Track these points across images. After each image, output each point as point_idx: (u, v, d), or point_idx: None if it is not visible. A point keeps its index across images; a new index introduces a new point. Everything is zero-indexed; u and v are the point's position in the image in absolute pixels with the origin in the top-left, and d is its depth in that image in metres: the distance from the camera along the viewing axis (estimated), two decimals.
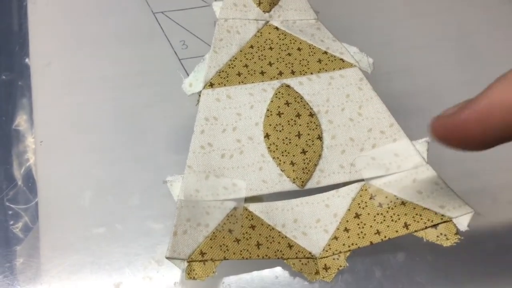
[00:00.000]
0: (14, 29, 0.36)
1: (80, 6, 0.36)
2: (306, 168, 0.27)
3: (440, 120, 0.20)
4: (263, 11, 0.31)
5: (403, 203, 0.26)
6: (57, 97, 0.33)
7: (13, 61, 0.35)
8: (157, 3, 0.37)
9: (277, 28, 0.30)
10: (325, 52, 0.30)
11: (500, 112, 0.18)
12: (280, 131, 0.27)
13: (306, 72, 0.29)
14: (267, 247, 0.25)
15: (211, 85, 0.28)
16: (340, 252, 0.26)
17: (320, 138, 0.27)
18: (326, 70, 0.29)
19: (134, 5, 0.37)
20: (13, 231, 0.30)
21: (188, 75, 0.29)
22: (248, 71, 0.29)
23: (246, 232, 0.26)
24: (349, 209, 0.26)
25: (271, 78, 0.29)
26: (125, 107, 0.33)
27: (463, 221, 0.25)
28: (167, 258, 0.24)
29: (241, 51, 0.30)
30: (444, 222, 0.25)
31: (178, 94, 0.29)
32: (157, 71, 0.34)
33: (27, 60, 0.35)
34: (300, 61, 0.29)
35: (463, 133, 0.19)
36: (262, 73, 0.29)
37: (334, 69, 0.29)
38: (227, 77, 0.29)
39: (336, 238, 0.26)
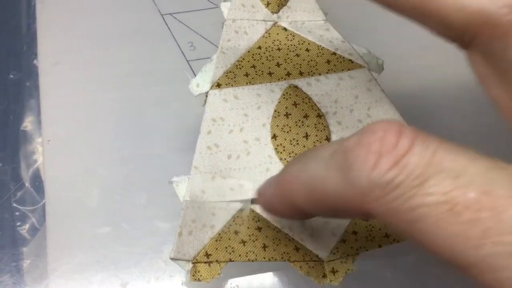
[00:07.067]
0: (22, 29, 0.36)
1: (88, 6, 0.36)
2: None
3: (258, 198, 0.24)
4: (272, 12, 0.30)
5: None
6: (65, 96, 0.33)
7: (21, 61, 0.35)
8: (165, 5, 0.37)
9: (285, 29, 0.30)
10: (334, 53, 0.29)
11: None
12: (287, 132, 0.27)
13: (314, 73, 0.29)
14: (274, 249, 0.25)
15: (219, 85, 0.28)
16: (348, 255, 0.25)
17: (328, 139, 0.27)
18: (334, 71, 0.29)
19: (142, 6, 0.37)
20: (20, 232, 0.30)
21: (195, 76, 0.29)
22: (256, 71, 0.29)
23: (253, 234, 0.25)
24: None
25: (279, 79, 0.29)
26: (132, 107, 0.33)
27: None
28: (171, 259, 0.24)
29: (248, 51, 0.29)
30: None
31: (185, 94, 0.29)
32: (165, 72, 0.34)
33: (35, 60, 0.35)
34: (309, 62, 0.29)
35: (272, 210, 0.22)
36: (270, 73, 0.29)
37: (343, 70, 0.29)
38: (235, 77, 0.28)
39: (344, 241, 0.26)
